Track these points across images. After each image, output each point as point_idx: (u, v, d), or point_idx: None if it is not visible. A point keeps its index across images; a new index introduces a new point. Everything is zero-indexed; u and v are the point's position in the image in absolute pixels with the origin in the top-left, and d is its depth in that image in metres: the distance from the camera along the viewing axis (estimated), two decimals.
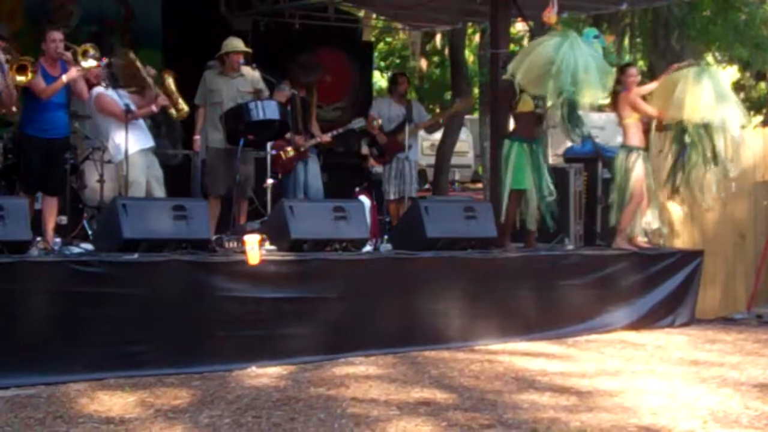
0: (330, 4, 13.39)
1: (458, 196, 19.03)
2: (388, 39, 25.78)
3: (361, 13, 15.70)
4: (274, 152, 9.53)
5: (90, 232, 9.24)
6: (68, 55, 8.21)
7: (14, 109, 8.13)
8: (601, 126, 17.63)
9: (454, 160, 18.70)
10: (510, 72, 9.23)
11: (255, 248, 7.51)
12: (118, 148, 8.59)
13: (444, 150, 17.08)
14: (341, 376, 7.13)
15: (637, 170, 9.52)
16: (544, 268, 9.04)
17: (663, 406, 6.40)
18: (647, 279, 9.58)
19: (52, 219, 8.36)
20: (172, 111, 8.96)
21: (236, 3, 12.90)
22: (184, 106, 9.01)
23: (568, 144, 10.73)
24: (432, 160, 17.99)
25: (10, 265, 6.73)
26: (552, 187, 9.56)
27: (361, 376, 7.19)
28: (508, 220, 9.50)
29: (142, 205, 7.88)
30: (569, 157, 11.11)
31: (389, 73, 26.09)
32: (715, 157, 9.38)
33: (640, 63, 21.36)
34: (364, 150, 13.15)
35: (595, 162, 10.59)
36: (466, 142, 23.94)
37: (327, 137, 10.15)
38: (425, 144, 21.20)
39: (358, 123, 10.69)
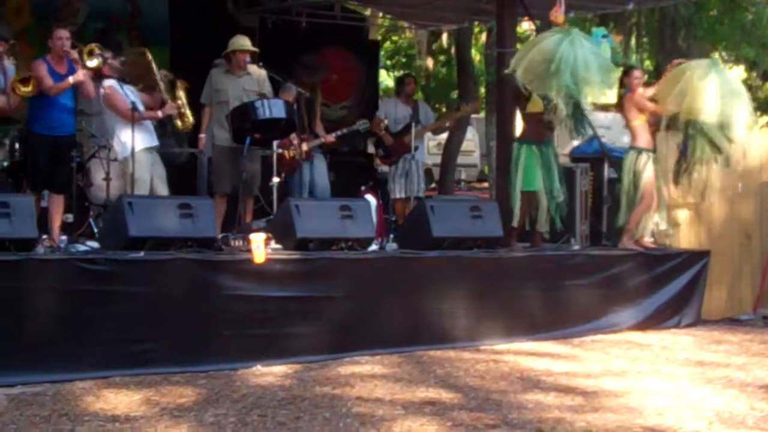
0: (336, 2, 13.39)
1: (464, 195, 18.99)
2: (395, 38, 25.72)
3: (368, 12, 15.67)
4: (279, 151, 9.53)
5: (96, 230, 9.25)
6: (74, 53, 8.22)
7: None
8: (607, 126, 17.58)
9: (460, 159, 18.70)
10: (511, 68, 9.21)
11: (261, 247, 7.51)
12: (124, 145, 8.61)
13: (450, 149, 17.06)
14: (347, 375, 7.13)
15: (648, 172, 9.50)
16: (550, 268, 9.03)
17: (668, 407, 6.39)
18: (653, 279, 9.56)
19: (58, 217, 8.37)
20: (178, 122, 9.02)
21: (243, 0, 12.89)
22: (190, 118, 9.04)
23: (575, 144, 10.71)
24: (438, 159, 17.96)
25: (17, 262, 6.73)
26: (562, 188, 9.54)
27: (367, 375, 7.19)
28: (520, 223, 9.50)
29: (148, 203, 7.88)
30: (575, 156, 11.10)
31: (395, 72, 26.09)
32: (719, 151, 9.31)
33: (647, 63, 21.31)
34: (371, 149, 13.14)
35: (601, 162, 10.58)
36: (472, 141, 23.90)
37: (331, 137, 10.13)
38: (431, 143, 21.25)
39: (362, 125, 10.67)
